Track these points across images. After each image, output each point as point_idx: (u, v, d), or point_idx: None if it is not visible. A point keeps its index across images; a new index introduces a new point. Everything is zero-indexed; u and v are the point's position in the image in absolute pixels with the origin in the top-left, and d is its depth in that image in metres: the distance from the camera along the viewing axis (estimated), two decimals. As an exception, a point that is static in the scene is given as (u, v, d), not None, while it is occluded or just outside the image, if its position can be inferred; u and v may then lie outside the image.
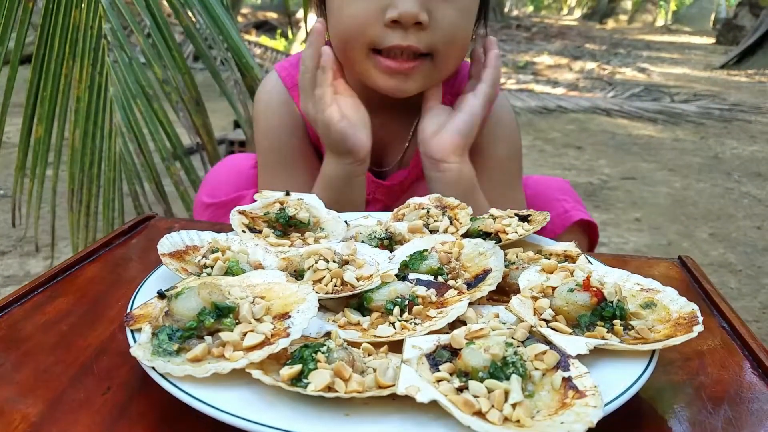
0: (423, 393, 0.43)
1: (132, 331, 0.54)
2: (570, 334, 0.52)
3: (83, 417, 0.48)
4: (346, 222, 0.79)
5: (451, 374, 0.47)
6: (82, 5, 1.51)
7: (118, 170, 1.62)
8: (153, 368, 0.47)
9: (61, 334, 0.60)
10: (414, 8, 0.92)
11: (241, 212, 0.77)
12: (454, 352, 0.49)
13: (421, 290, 0.60)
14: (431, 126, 1.00)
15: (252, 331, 0.50)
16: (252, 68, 1.57)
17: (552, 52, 10.53)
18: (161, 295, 0.53)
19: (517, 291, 0.60)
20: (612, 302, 0.54)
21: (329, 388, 0.44)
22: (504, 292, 0.64)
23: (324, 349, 0.47)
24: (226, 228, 0.77)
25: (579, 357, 0.48)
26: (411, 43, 0.94)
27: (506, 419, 0.42)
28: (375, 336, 0.54)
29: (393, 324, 0.56)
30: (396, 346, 0.52)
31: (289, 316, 0.53)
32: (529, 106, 5.85)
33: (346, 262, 0.65)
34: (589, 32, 15.02)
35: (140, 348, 0.49)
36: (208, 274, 0.62)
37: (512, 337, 0.49)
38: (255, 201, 0.81)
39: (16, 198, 1.67)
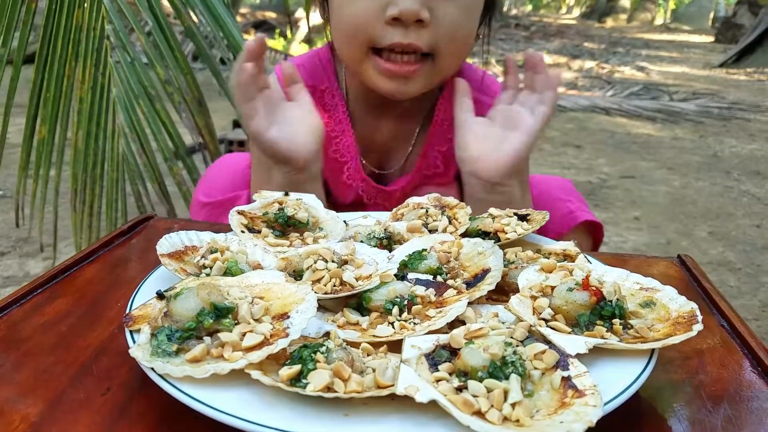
0: (422, 393, 0.43)
1: (131, 331, 0.54)
2: (569, 333, 0.52)
3: (83, 417, 0.48)
4: (345, 222, 0.79)
5: (450, 374, 0.47)
6: (85, 6, 1.52)
7: (121, 170, 1.62)
8: (152, 369, 0.47)
9: (60, 334, 0.60)
10: (415, 5, 0.91)
11: (239, 212, 0.77)
12: (453, 352, 0.49)
13: (420, 290, 0.60)
14: (478, 144, 0.95)
15: (251, 331, 0.50)
16: None
17: (551, 51, 10.52)
18: (160, 295, 0.53)
19: (516, 290, 0.60)
20: (611, 301, 0.54)
21: (328, 389, 0.44)
22: (503, 291, 0.64)
23: (323, 349, 0.47)
24: (225, 228, 0.77)
25: (578, 356, 0.48)
26: (411, 41, 0.93)
27: (506, 419, 0.42)
28: (374, 336, 0.54)
29: (392, 324, 0.56)
30: (395, 346, 0.52)
31: (288, 317, 0.53)
32: (528, 105, 5.83)
33: (345, 262, 0.65)
34: (587, 31, 15.02)
35: (139, 349, 0.49)
36: (207, 275, 0.62)
37: (511, 337, 0.49)
38: (251, 201, 0.81)
39: (19, 199, 1.67)
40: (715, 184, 3.78)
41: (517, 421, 0.41)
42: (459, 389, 0.45)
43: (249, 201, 0.97)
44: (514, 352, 0.46)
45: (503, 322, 0.54)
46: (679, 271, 0.80)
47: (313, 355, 0.47)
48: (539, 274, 0.61)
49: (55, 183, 1.61)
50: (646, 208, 3.30)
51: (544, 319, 0.54)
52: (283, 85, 0.98)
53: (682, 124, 5.45)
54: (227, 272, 0.62)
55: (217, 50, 1.61)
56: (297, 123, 0.95)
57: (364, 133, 1.13)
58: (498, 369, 0.45)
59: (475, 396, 0.43)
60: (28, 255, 2.50)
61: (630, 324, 0.54)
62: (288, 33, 8.44)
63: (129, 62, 1.56)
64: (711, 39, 14.07)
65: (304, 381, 0.45)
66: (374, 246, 0.72)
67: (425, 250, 0.68)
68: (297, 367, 0.46)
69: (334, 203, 1.14)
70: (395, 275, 0.62)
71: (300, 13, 8.21)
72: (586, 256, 0.70)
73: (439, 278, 0.64)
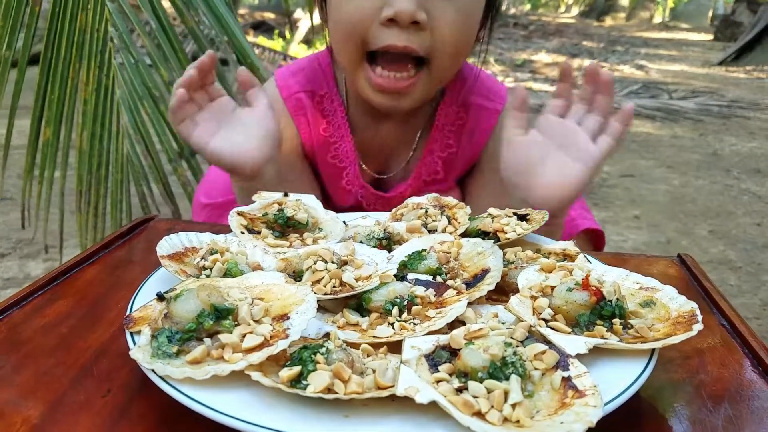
0: (422, 394, 0.43)
1: (131, 333, 0.54)
2: (569, 333, 0.52)
3: (83, 419, 0.48)
4: (344, 222, 0.79)
5: (450, 375, 0.47)
6: (88, 8, 1.52)
7: (125, 171, 1.63)
8: (152, 370, 0.47)
9: (61, 336, 0.60)
10: (410, 6, 0.89)
11: (239, 213, 0.77)
12: (453, 353, 0.49)
13: (419, 290, 0.60)
14: (532, 169, 0.87)
15: (251, 332, 0.50)
16: (258, 68, 1.57)
17: (550, 50, 10.52)
18: (160, 297, 0.53)
19: (516, 290, 0.60)
20: (611, 301, 0.54)
21: (328, 390, 0.44)
22: (503, 291, 0.64)
23: (323, 350, 0.48)
24: (225, 229, 0.77)
25: (578, 356, 0.48)
26: (406, 43, 0.91)
27: (506, 419, 0.42)
28: (374, 337, 0.54)
29: (392, 324, 0.56)
30: (395, 347, 0.52)
31: (288, 318, 0.53)
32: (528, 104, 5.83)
33: (345, 263, 0.65)
34: (586, 30, 15.02)
35: (140, 350, 0.49)
36: (207, 276, 0.62)
37: (511, 337, 0.49)
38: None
39: (25, 200, 1.68)
40: (715, 182, 3.78)
41: (518, 421, 0.42)
42: (459, 390, 0.45)
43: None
44: (514, 353, 0.46)
45: (503, 323, 0.54)
46: (679, 270, 0.80)
47: (313, 356, 0.47)
48: (539, 274, 0.61)
49: (60, 184, 1.61)
50: (646, 206, 3.30)
51: (544, 320, 0.54)
52: (241, 87, 0.95)
53: (682, 122, 5.45)
54: (227, 273, 0.62)
55: (221, 51, 1.61)
56: (247, 130, 0.92)
57: (364, 138, 1.12)
58: (498, 369, 0.45)
59: (475, 397, 0.43)
60: (28, 256, 2.50)
61: (630, 324, 0.54)
62: (287, 33, 8.43)
63: (133, 64, 1.57)
64: (710, 37, 14.06)
65: (304, 382, 0.45)
66: (374, 246, 0.72)
67: (425, 250, 0.68)
68: (297, 369, 0.46)
69: (333, 208, 1.13)
70: (395, 276, 0.62)
71: (299, 13, 8.21)
72: (585, 256, 0.70)
73: (438, 278, 0.64)
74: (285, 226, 0.76)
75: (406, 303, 0.58)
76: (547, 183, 0.85)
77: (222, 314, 0.51)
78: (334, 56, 1.08)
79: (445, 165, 1.12)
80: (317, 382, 0.44)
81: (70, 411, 0.49)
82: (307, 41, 7.70)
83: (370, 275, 0.62)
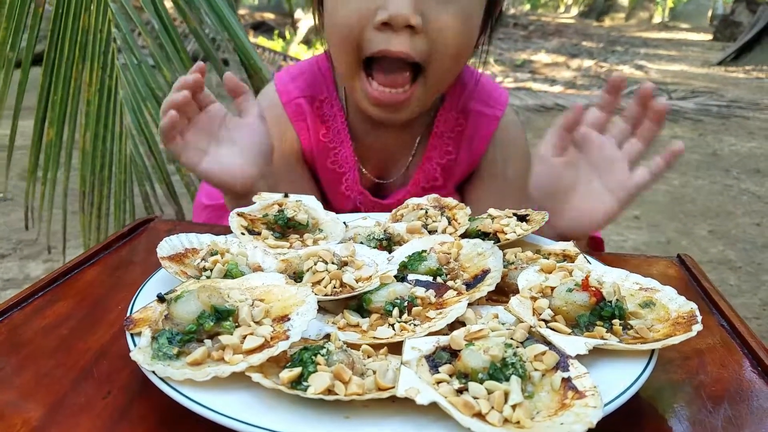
0: (423, 395, 0.43)
1: (132, 334, 0.54)
2: (569, 334, 0.52)
3: (84, 421, 0.48)
4: (344, 223, 0.79)
5: (450, 376, 0.47)
6: (91, 9, 1.52)
7: (128, 172, 1.63)
8: (153, 372, 0.47)
9: (61, 337, 0.60)
10: (405, 10, 0.87)
11: (239, 214, 0.77)
12: (453, 354, 0.49)
13: (420, 291, 0.60)
14: (562, 195, 0.85)
15: (251, 334, 0.50)
16: (260, 69, 1.58)
17: (549, 50, 10.52)
18: (161, 298, 0.53)
19: (516, 291, 0.60)
20: (611, 302, 0.54)
21: (329, 391, 0.44)
22: (503, 292, 0.64)
23: (323, 351, 0.48)
24: (225, 230, 0.77)
25: (578, 357, 0.48)
26: (401, 49, 0.89)
27: (506, 420, 0.42)
28: (374, 338, 0.54)
29: (392, 325, 0.56)
30: (395, 348, 0.52)
31: (289, 319, 0.53)
32: (527, 105, 5.85)
33: (345, 264, 0.65)
34: (586, 30, 15.02)
35: (140, 352, 0.49)
36: (208, 277, 0.62)
37: (511, 338, 0.49)
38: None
39: (28, 201, 1.68)
40: (714, 182, 3.79)
41: (518, 422, 0.42)
42: (459, 391, 0.45)
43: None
44: (515, 354, 0.46)
45: (503, 324, 0.54)
46: (678, 270, 0.81)
47: (313, 357, 0.47)
48: (539, 275, 0.61)
49: (63, 185, 1.62)
50: (646, 206, 3.31)
51: (544, 320, 0.54)
52: (229, 94, 0.93)
53: (681, 122, 5.45)
54: (227, 274, 0.62)
55: (220, 52, 1.61)
56: (237, 148, 0.90)
57: (364, 144, 1.11)
58: (498, 370, 0.45)
59: (475, 398, 0.43)
60: (28, 257, 2.50)
61: (630, 324, 0.54)
62: (287, 34, 8.44)
63: (135, 64, 1.57)
64: (709, 37, 14.07)
65: (304, 384, 0.45)
66: (374, 247, 0.72)
67: (425, 251, 0.68)
68: (297, 370, 0.46)
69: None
70: (395, 276, 0.62)
71: (299, 13, 8.21)
72: (585, 257, 0.70)
73: (438, 279, 0.64)
74: (285, 227, 0.76)
75: (406, 304, 0.58)
76: (576, 211, 0.84)
77: (222, 315, 0.51)
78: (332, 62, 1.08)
79: (444, 172, 1.11)
80: (318, 383, 0.44)
81: (71, 413, 0.49)
82: (307, 41, 7.70)
83: (370, 276, 0.62)
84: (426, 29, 0.89)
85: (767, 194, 3.56)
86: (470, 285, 0.63)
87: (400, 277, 0.63)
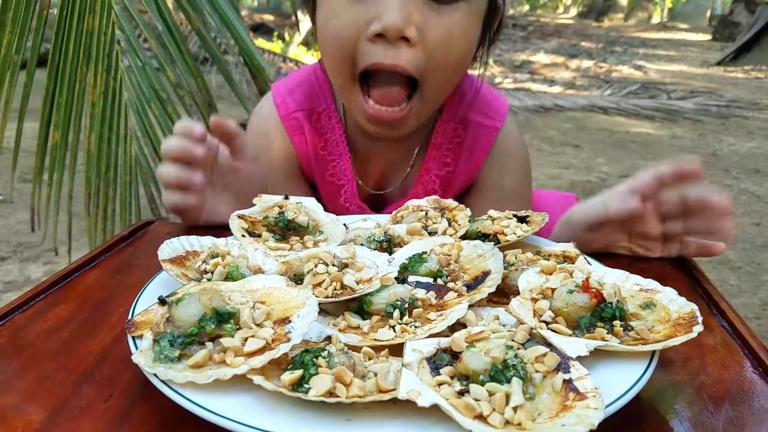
0: (424, 397, 0.43)
1: (133, 337, 0.54)
2: (570, 335, 0.52)
3: (85, 424, 0.48)
4: (345, 225, 0.79)
5: (452, 377, 0.47)
6: (96, 10, 1.52)
7: (133, 174, 1.63)
8: (155, 375, 0.48)
9: (62, 340, 0.60)
10: (400, 21, 0.84)
11: (240, 216, 0.77)
12: (454, 355, 0.49)
13: (420, 293, 0.60)
14: (600, 241, 0.84)
15: (253, 336, 0.50)
16: (263, 69, 1.58)
17: (548, 51, 10.53)
18: (162, 301, 0.53)
19: (517, 292, 0.60)
20: (611, 303, 0.54)
21: (330, 393, 0.45)
22: (503, 293, 0.64)
23: (325, 353, 0.48)
24: (226, 232, 0.77)
25: (579, 359, 0.48)
26: (395, 61, 0.87)
27: (507, 422, 0.42)
28: (375, 340, 0.54)
29: (393, 327, 0.56)
30: (396, 350, 0.52)
31: (290, 321, 0.53)
32: (526, 105, 5.85)
33: (346, 266, 0.65)
34: (585, 30, 15.04)
35: (142, 355, 0.49)
36: (209, 280, 0.62)
37: (512, 340, 0.49)
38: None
39: (34, 203, 1.68)
40: (714, 182, 3.79)
41: (519, 424, 0.42)
42: (461, 393, 0.45)
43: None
44: (516, 356, 0.46)
45: (504, 325, 0.54)
46: (678, 271, 0.81)
47: (314, 359, 0.47)
48: (539, 276, 0.61)
49: (68, 187, 1.62)
50: (646, 207, 3.30)
51: (544, 322, 0.54)
52: (221, 139, 0.89)
53: (681, 122, 5.46)
54: (228, 277, 0.62)
55: (229, 54, 1.62)
56: (232, 194, 0.90)
57: (362, 155, 1.10)
58: (499, 372, 0.45)
59: (476, 400, 0.43)
60: (28, 260, 2.50)
61: (630, 326, 0.54)
62: (286, 35, 8.44)
63: (140, 66, 1.58)
64: (708, 37, 14.09)
65: (306, 386, 0.45)
66: (374, 249, 0.72)
67: (425, 252, 0.68)
68: (299, 372, 0.46)
69: None
70: (395, 278, 0.62)
71: (298, 15, 8.21)
72: (585, 258, 0.70)
73: (439, 281, 0.64)
74: (286, 229, 0.76)
75: (407, 306, 0.58)
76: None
77: (224, 318, 0.52)
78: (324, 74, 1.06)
79: (442, 183, 1.09)
80: (319, 385, 0.44)
81: (72, 416, 0.49)
82: (307, 43, 7.70)
83: (370, 278, 0.63)
84: (422, 41, 0.87)
85: (767, 194, 3.57)
86: (471, 286, 0.63)
87: (401, 279, 0.64)
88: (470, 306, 0.58)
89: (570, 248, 0.71)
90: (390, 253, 0.71)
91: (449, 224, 0.79)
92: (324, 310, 0.60)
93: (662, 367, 0.54)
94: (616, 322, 0.53)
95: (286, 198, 0.82)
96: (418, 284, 0.62)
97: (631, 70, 8.69)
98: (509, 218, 0.77)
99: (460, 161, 1.09)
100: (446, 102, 1.06)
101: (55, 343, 0.60)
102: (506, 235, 0.74)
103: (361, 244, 0.73)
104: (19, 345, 0.59)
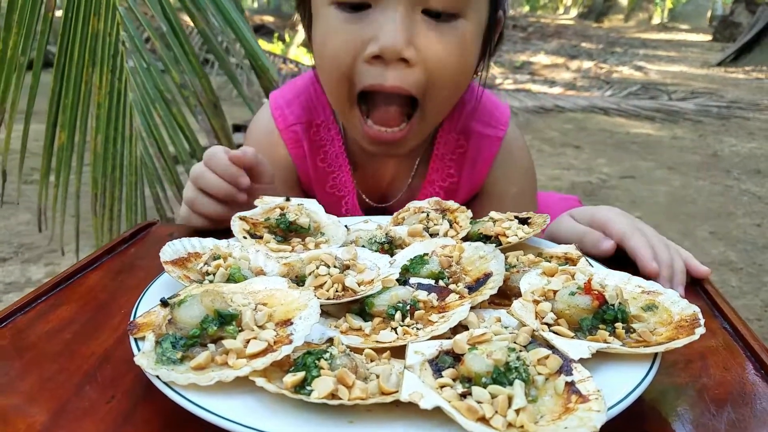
0: (426, 399, 0.43)
1: (136, 339, 0.54)
2: (572, 337, 0.52)
3: (87, 425, 0.48)
4: (346, 226, 0.79)
5: (454, 380, 0.47)
6: (101, 12, 1.53)
7: (139, 174, 1.64)
8: (157, 377, 0.48)
9: (64, 342, 0.60)
10: (397, 42, 0.82)
11: (241, 218, 0.77)
12: (456, 358, 0.49)
13: (422, 295, 0.60)
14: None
15: (255, 338, 0.50)
16: (268, 69, 1.58)
17: (549, 52, 10.54)
18: (164, 303, 0.53)
19: (519, 294, 0.60)
20: (613, 305, 0.54)
21: (333, 395, 0.45)
22: (505, 295, 0.64)
23: (327, 356, 0.48)
24: (227, 234, 0.77)
25: (581, 361, 0.48)
26: (395, 83, 0.85)
27: (510, 425, 0.42)
28: (377, 341, 0.54)
29: (395, 329, 0.56)
30: (398, 352, 0.52)
31: (292, 323, 0.53)
32: (527, 106, 5.85)
33: (347, 267, 0.65)
34: (585, 31, 15.04)
35: (144, 356, 0.49)
36: (211, 281, 0.62)
37: (514, 342, 0.49)
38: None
39: (41, 203, 1.69)
40: (715, 183, 3.79)
41: (522, 427, 0.42)
42: (463, 395, 0.45)
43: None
44: (518, 358, 0.46)
45: (506, 327, 0.54)
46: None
47: (316, 361, 0.47)
48: (541, 278, 0.61)
49: (75, 187, 1.63)
50: (647, 208, 3.31)
51: (546, 324, 0.54)
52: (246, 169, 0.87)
53: (681, 123, 5.46)
54: (230, 279, 0.62)
55: (233, 56, 1.63)
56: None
57: (362, 167, 1.09)
58: (502, 375, 0.45)
59: (479, 402, 0.43)
60: (29, 261, 2.50)
61: (632, 328, 0.54)
62: (286, 37, 8.44)
63: (144, 67, 1.58)
64: (709, 38, 14.09)
65: (308, 388, 0.45)
66: (376, 251, 0.72)
67: (427, 254, 0.68)
68: (301, 374, 0.46)
69: None
70: (397, 280, 0.62)
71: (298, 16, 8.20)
72: (587, 260, 0.70)
73: (441, 283, 0.64)
74: (287, 231, 0.76)
75: (408, 307, 0.58)
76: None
77: (226, 320, 0.52)
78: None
79: (447, 194, 1.08)
80: (321, 387, 0.45)
81: (74, 417, 0.49)
82: (307, 44, 7.70)
83: (372, 280, 0.63)
84: (421, 61, 0.85)
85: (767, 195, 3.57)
86: (472, 288, 0.63)
87: (402, 281, 0.64)
88: (472, 308, 0.58)
89: (572, 250, 0.71)
90: (391, 255, 0.71)
91: (450, 226, 0.79)
92: (325, 312, 0.60)
93: (664, 369, 0.54)
94: (618, 324, 0.53)
95: (288, 200, 0.82)
96: (420, 286, 0.62)
97: (631, 71, 8.70)
98: (510, 220, 0.77)
99: (464, 172, 1.08)
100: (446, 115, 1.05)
101: (57, 345, 0.60)
102: (508, 236, 0.74)
103: (363, 246, 0.73)
104: (21, 346, 0.59)
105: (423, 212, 0.82)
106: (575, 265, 0.67)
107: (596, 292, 0.54)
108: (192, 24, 1.60)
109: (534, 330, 0.52)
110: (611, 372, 0.49)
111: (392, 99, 0.89)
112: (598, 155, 4.41)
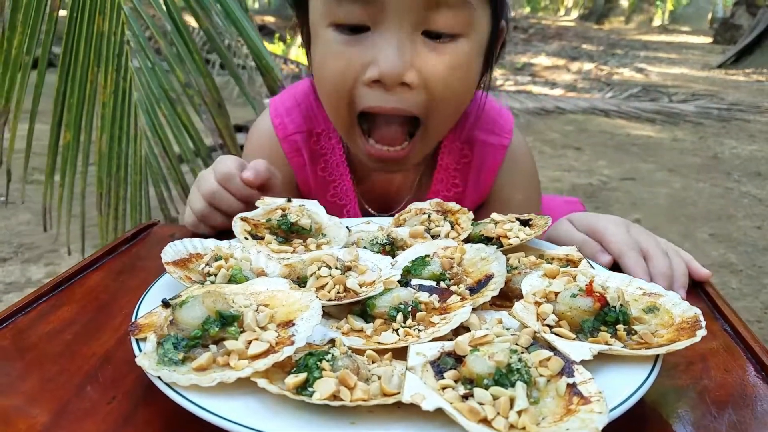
0: (428, 401, 0.43)
1: (137, 340, 0.54)
2: (573, 339, 0.52)
3: (89, 426, 0.48)
4: (347, 228, 0.79)
5: (455, 381, 0.47)
6: (105, 12, 1.53)
7: (144, 173, 1.64)
8: (159, 377, 0.48)
9: (65, 343, 0.60)
10: (398, 67, 0.80)
11: (243, 219, 0.77)
12: (458, 359, 0.49)
13: (423, 296, 0.60)
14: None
15: (256, 339, 0.50)
16: (272, 68, 1.58)
17: (549, 54, 10.54)
18: (166, 304, 0.53)
19: (520, 296, 0.60)
20: (615, 307, 0.54)
21: (334, 397, 0.45)
22: (506, 297, 0.64)
23: (328, 357, 0.48)
24: (229, 235, 0.77)
25: (583, 362, 0.48)
26: (396, 105, 0.84)
27: (512, 426, 0.42)
28: (378, 343, 0.54)
29: (396, 331, 0.56)
30: (400, 353, 0.52)
31: (293, 324, 0.53)
32: (527, 108, 5.86)
33: (349, 269, 0.65)
34: (586, 33, 15.04)
35: (145, 357, 0.49)
36: (212, 282, 0.62)
37: (516, 344, 0.49)
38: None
39: (46, 203, 1.69)
40: (715, 185, 3.79)
41: (524, 428, 0.42)
42: (465, 397, 0.45)
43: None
44: (520, 359, 0.46)
45: (507, 329, 0.54)
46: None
47: (318, 363, 0.47)
48: (542, 280, 0.61)
49: (80, 187, 1.63)
50: (647, 210, 3.31)
51: (548, 326, 0.54)
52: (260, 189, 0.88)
53: (682, 125, 5.46)
54: (232, 280, 0.62)
55: (237, 56, 1.63)
56: None
57: (364, 177, 1.08)
58: (503, 376, 0.45)
59: (481, 403, 0.43)
60: (29, 261, 2.50)
61: (634, 330, 0.54)
62: (287, 37, 8.45)
63: (149, 67, 1.58)
64: (709, 40, 14.09)
65: (310, 389, 0.45)
66: (377, 252, 0.72)
67: (428, 255, 0.68)
68: (303, 376, 0.46)
69: None
70: (399, 281, 0.62)
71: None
72: (588, 261, 0.70)
73: (442, 284, 0.64)
74: (288, 232, 0.76)
75: (410, 309, 0.58)
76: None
77: (227, 321, 0.52)
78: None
79: None
80: (323, 389, 0.45)
81: (75, 418, 0.49)
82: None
83: (374, 281, 0.62)
84: (422, 82, 0.84)
85: (768, 197, 3.57)
86: (474, 290, 0.63)
87: (404, 282, 0.64)
88: (473, 309, 0.58)
89: (573, 252, 0.71)
90: (393, 256, 0.71)
91: (452, 227, 0.79)
92: (327, 313, 0.60)
93: (665, 371, 0.54)
94: (620, 326, 0.53)
95: (289, 201, 0.82)
96: (422, 287, 0.62)
97: (632, 73, 8.70)
98: (512, 222, 0.77)
99: (469, 182, 1.07)
100: None
101: (58, 345, 0.60)
102: (509, 238, 0.73)
103: (364, 247, 0.73)
104: (22, 347, 0.59)
105: (424, 214, 0.82)
106: (577, 267, 0.67)
107: (598, 294, 0.54)
108: (196, 24, 1.60)
109: (535, 331, 0.52)
110: (613, 374, 0.49)
111: (393, 118, 0.88)
112: (599, 157, 4.41)
